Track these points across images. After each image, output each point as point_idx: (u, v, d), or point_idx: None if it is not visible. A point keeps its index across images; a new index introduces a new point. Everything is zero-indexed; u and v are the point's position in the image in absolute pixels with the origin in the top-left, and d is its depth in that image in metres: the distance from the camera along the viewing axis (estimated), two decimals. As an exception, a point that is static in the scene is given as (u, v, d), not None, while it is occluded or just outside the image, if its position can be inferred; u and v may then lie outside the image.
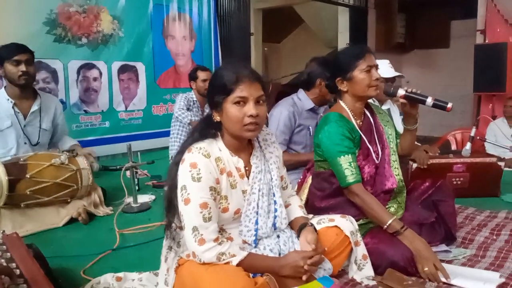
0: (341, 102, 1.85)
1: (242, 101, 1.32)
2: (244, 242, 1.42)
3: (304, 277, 1.33)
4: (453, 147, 4.06)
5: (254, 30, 7.90)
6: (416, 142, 2.69)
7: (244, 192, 1.42)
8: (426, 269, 1.51)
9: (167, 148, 3.77)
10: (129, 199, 2.55)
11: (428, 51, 7.82)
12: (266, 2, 7.72)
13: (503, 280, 1.46)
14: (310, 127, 2.49)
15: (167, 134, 3.82)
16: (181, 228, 1.37)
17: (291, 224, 1.54)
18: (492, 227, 1.96)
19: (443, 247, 1.76)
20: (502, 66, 5.35)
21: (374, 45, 7.37)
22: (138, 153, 3.01)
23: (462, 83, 6.51)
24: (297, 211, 1.58)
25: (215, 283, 1.20)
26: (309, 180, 2.04)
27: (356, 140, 1.78)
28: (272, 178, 1.49)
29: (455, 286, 1.45)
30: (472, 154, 2.53)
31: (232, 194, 1.39)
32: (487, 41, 5.79)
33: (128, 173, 2.58)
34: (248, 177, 1.43)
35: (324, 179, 1.85)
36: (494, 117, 5.27)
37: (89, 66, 4.06)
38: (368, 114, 1.88)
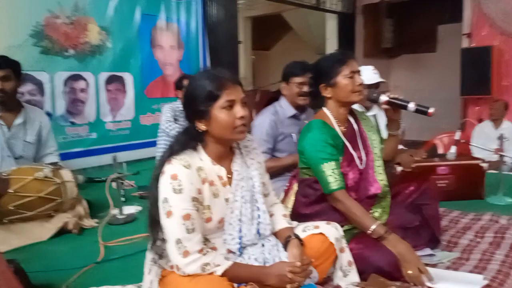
0: (324, 108, 1.86)
1: (230, 105, 1.33)
2: (229, 251, 1.41)
3: (288, 287, 1.32)
4: (440, 150, 4.09)
5: (243, 38, 7.94)
6: (403, 147, 2.71)
7: (227, 200, 1.42)
8: (410, 272, 1.51)
9: (155, 158, 3.74)
10: (115, 211, 2.53)
11: (415, 56, 7.89)
12: (254, 10, 7.77)
13: (486, 282, 1.47)
14: (293, 134, 2.49)
15: (155, 144, 3.80)
16: (162, 239, 1.36)
17: (276, 236, 1.53)
18: (476, 230, 1.98)
19: (427, 250, 1.77)
20: (488, 69, 5.44)
21: (362, 50, 7.44)
22: (124, 163, 2.99)
23: (449, 87, 6.56)
24: (281, 221, 1.57)
25: None
26: (295, 187, 2.04)
27: (339, 147, 1.79)
28: (254, 185, 1.48)
29: (440, 290, 1.45)
30: (457, 157, 2.55)
31: (215, 203, 1.39)
32: (473, 44, 5.87)
33: (114, 184, 2.56)
34: (230, 185, 1.43)
35: (308, 185, 1.85)
36: (480, 120, 5.34)
37: (76, 77, 4.03)
38: (352, 120, 1.89)
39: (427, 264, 1.60)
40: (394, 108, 1.85)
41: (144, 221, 1.46)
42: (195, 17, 5.12)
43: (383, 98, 1.82)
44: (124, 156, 3.52)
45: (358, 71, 1.80)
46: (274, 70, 10.34)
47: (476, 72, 5.55)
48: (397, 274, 1.54)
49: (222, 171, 1.42)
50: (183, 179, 1.30)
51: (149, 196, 1.41)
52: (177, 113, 3.54)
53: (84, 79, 4.10)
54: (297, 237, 1.49)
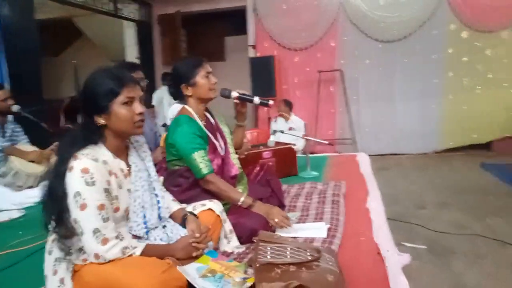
0: (186, 106, 2.11)
1: (130, 101, 1.45)
2: (134, 237, 1.53)
3: (194, 254, 1.54)
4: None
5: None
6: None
7: (129, 190, 1.53)
8: (276, 220, 1.92)
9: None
10: None
11: (209, 64, 8.64)
12: (42, 14, 7.15)
13: (328, 225, 1.99)
14: None
15: None
16: (69, 236, 1.39)
17: (172, 217, 1.71)
18: (305, 195, 2.55)
19: (280, 214, 2.22)
20: (272, 75, 6.50)
21: (161, 58, 7.77)
22: None
23: (241, 91, 7.49)
24: (173, 204, 1.76)
25: (138, 274, 1.29)
26: (161, 179, 2.21)
27: (204, 138, 2.07)
28: (150, 175, 1.64)
29: (300, 237, 1.90)
30: (275, 144, 3.15)
31: (120, 194, 1.49)
32: (258, 54, 6.90)
33: None
34: (130, 177, 1.55)
35: (179, 175, 2.07)
36: (269, 118, 6.36)
37: None
38: (209, 115, 2.20)
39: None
40: (242, 102, 2.24)
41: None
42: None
43: (234, 94, 2.19)
44: None
45: (211, 72, 2.12)
46: (62, 77, 9.67)
47: (263, 78, 6.56)
48: (268, 230, 1.93)
49: (122, 164, 1.54)
50: (95, 172, 1.37)
51: (46, 195, 1.40)
52: None
53: None
54: (191, 213, 1.71)
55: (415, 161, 6.35)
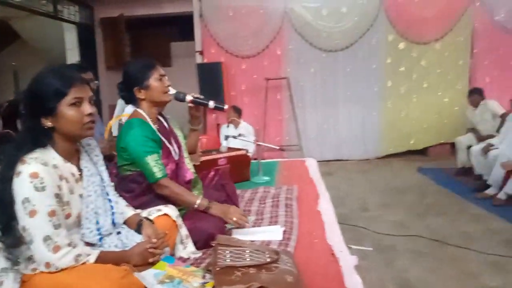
0: (138, 109, 2.05)
1: (78, 102, 1.39)
2: (87, 244, 1.46)
3: (151, 260, 1.51)
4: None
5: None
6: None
7: (81, 196, 1.47)
8: (234, 218, 1.93)
9: None
10: None
11: (156, 69, 8.49)
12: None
13: (283, 228, 2.02)
14: None
15: None
16: (17, 245, 1.31)
17: (126, 224, 1.65)
18: (259, 199, 2.57)
19: (234, 218, 2.22)
20: (220, 81, 6.49)
21: (104, 62, 7.52)
22: None
23: (188, 97, 7.41)
24: (127, 210, 1.70)
25: (95, 281, 1.24)
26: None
27: (157, 142, 2.02)
28: (104, 179, 1.58)
29: (257, 240, 1.90)
30: (228, 149, 3.15)
31: (72, 200, 1.42)
32: (205, 60, 6.87)
33: None
34: (82, 181, 1.48)
35: (132, 180, 2.01)
36: (218, 125, 6.36)
37: None
38: (162, 119, 2.15)
39: (238, 227, 2.05)
40: (196, 106, 2.22)
41: None
42: None
43: (188, 97, 2.17)
44: None
45: (165, 75, 2.09)
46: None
47: (211, 84, 6.52)
48: (225, 234, 1.92)
49: (74, 169, 1.47)
50: (45, 176, 1.30)
51: None
52: None
53: None
54: (147, 219, 1.66)
55: (358, 166, 6.61)
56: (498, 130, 5.00)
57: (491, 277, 2.76)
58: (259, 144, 3.23)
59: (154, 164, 1.92)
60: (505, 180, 4.17)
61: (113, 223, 1.57)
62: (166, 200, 1.96)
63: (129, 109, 2.43)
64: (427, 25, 6.58)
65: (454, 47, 6.68)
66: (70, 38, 6.91)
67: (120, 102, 3.44)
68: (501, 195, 4.13)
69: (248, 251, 1.56)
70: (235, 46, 6.82)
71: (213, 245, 1.58)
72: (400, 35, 6.69)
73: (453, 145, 5.93)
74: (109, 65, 7.48)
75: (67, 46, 6.94)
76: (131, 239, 1.58)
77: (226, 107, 2.20)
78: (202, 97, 2.21)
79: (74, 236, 1.44)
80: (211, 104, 2.18)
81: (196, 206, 1.95)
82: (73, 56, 6.86)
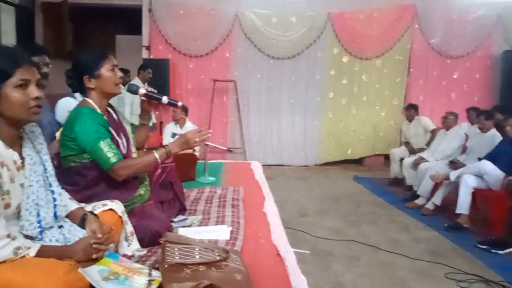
0: (87, 99, 1.96)
1: (24, 84, 1.31)
2: (27, 237, 1.38)
3: (94, 256, 1.44)
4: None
5: None
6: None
7: (22, 185, 1.38)
8: (197, 139, 1.95)
9: None
10: None
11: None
12: None
13: (231, 228, 2.02)
14: None
15: None
16: None
17: (69, 217, 1.57)
18: (205, 199, 2.55)
19: (181, 217, 2.19)
20: (167, 79, 6.37)
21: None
22: None
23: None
24: (71, 203, 1.62)
25: (39, 275, 1.16)
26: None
27: (107, 130, 1.94)
28: (47, 169, 1.50)
29: (204, 239, 1.89)
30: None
31: (13, 189, 1.33)
32: (152, 56, 6.71)
33: None
34: (23, 170, 1.39)
35: (76, 173, 1.92)
36: (161, 123, 6.23)
37: None
38: (111, 111, 2.08)
39: (183, 226, 2.02)
40: (149, 100, 2.17)
41: None
42: None
43: (142, 90, 2.11)
44: None
45: (117, 66, 2.02)
46: None
47: (157, 81, 6.35)
48: (171, 231, 1.89)
49: (16, 156, 1.38)
50: None
51: None
52: None
53: None
54: (92, 213, 1.59)
55: (297, 173, 6.77)
56: (428, 144, 5.38)
57: (418, 284, 2.94)
58: (207, 144, 3.20)
59: (107, 149, 1.84)
60: (433, 191, 4.48)
61: (55, 216, 1.48)
62: (116, 191, 1.90)
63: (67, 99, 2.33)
64: (370, 42, 6.93)
65: (393, 65, 7.09)
66: (7, 21, 6.43)
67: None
68: (429, 205, 4.43)
69: (197, 249, 1.54)
70: (184, 44, 6.74)
71: (161, 242, 1.54)
72: (345, 49, 6.98)
73: (387, 156, 6.27)
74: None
75: (2, 29, 6.45)
76: (73, 233, 1.50)
77: (180, 103, 2.17)
78: (155, 91, 2.16)
79: (12, 228, 1.34)
80: (165, 99, 2.13)
81: (159, 159, 1.93)
82: (8, 40, 6.38)
